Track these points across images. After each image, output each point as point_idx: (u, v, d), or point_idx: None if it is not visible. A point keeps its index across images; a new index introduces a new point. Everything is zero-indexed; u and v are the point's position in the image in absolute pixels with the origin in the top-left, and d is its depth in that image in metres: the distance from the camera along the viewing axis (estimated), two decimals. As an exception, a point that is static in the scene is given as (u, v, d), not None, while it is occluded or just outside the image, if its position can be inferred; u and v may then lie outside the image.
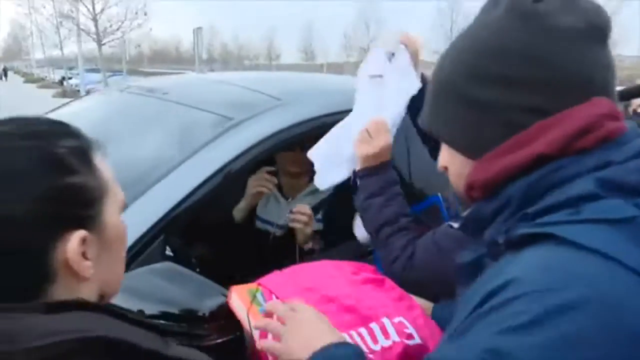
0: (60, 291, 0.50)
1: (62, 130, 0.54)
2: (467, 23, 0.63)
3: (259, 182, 1.52)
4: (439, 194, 1.16)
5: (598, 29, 0.56)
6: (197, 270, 1.49)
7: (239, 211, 1.61)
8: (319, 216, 1.67)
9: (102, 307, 0.51)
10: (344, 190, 1.71)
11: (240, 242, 1.59)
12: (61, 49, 30.42)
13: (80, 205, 0.51)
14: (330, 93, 1.59)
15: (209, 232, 1.71)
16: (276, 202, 1.72)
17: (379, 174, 1.09)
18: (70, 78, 27.54)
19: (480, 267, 0.57)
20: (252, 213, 1.68)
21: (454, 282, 0.63)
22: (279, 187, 1.75)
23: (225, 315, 0.92)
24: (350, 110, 1.46)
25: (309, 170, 1.72)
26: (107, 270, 0.55)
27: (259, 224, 1.65)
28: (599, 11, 0.57)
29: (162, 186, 1.11)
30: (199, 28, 14.06)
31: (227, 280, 1.37)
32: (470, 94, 0.58)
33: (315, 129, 1.31)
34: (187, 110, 1.44)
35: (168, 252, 1.26)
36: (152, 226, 1.03)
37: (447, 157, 0.65)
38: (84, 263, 0.51)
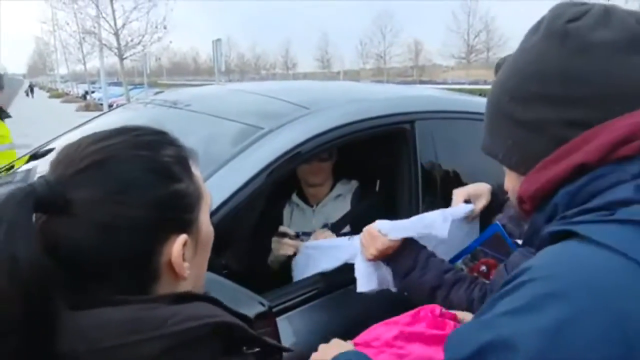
0: (162, 289, 0.53)
1: (166, 139, 0.57)
2: (484, 24, 0.65)
3: (280, 249, 1.53)
4: (497, 222, 1.16)
5: (639, 39, 0.56)
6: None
7: (274, 263, 1.61)
8: (347, 228, 1.68)
9: (210, 298, 0.55)
10: (369, 198, 1.73)
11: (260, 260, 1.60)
12: (84, 64, 31.25)
13: (183, 210, 0.54)
14: (357, 100, 1.60)
15: (240, 242, 1.73)
16: (301, 212, 1.74)
17: (397, 260, 1.14)
18: (93, 92, 28.24)
19: None
20: (278, 222, 1.70)
21: None
22: (303, 197, 1.77)
23: (263, 325, 0.92)
24: (376, 117, 1.47)
25: (329, 178, 1.75)
26: (198, 269, 0.59)
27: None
28: (639, 20, 0.57)
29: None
30: (219, 40, 14.26)
31: (257, 291, 1.39)
32: (516, 115, 0.61)
33: (345, 135, 1.32)
34: (215, 120, 1.47)
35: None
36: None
37: (506, 178, 0.68)
38: (183, 264, 0.54)
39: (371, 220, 1.66)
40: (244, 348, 0.55)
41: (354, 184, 1.77)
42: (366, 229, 1.19)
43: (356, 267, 1.18)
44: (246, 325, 0.54)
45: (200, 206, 0.57)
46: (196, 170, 0.58)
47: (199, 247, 0.57)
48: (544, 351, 0.44)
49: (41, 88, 60.12)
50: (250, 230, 1.97)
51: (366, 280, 1.17)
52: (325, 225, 1.65)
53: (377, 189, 1.83)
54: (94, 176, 0.50)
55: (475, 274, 1.17)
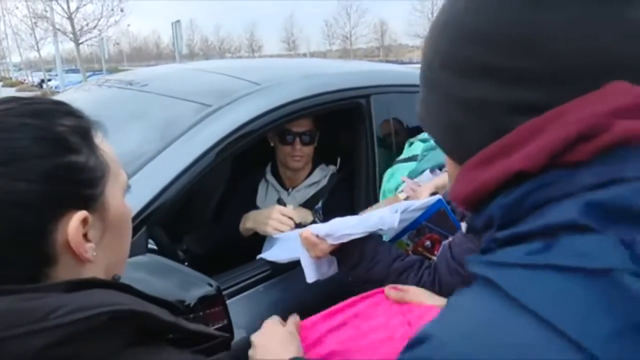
0: (62, 274, 0.49)
1: (63, 109, 0.52)
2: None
3: (276, 223, 1.40)
4: (441, 197, 1.14)
5: None
6: (185, 264, 1.47)
7: (246, 231, 1.51)
8: (319, 206, 1.66)
9: (119, 284, 0.51)
10: (343, 182, 1.72)
11: (232, 234, 1.57)
12: (38, 50, 29.82)
13: (81, 185, 0.50)
14: (311, 76, 1.57)
15: (201, 225, 1.69)
16: (275, 193, 1.71)
17: (342, 256, 1.10)
18: (49, 80, 27.05)
19: None
20: (252, 203, 1.66)
21: None
22: (278, 177, 1.74)
23: (211, 304, 0.90)
24: (331, 92, 1.44)
25: (308, 163, 1.72)
26: (111, 252, 0.54)
27: None
28: None
29: (140, 177, 1.08)
30: (178, 21, 13.85)
31: (217, 272, 1.36)
32: (449, 89, 0.45)
33: (297, 111, 1.29)
34: (166, 100, 1.41)
35: (152, 245, 1.24)
36: (132, 218, 1.00)
37: (446, 159, 0.53)
38: (85, 245, 0.49)
39: (334, 201, 1.66)
40: (170, 336, 0.51)
41: (331, 169, 1.74)
42: (303, 236, 1.10)
43: (301, 259, 1.15)
44: (164, 311, 0.50)
45: (107, 182, 0.53)
46: (103, 144, 0.54)
47: (107, 227, 0.53)
48: None
49: (-7, 77, 57.14)
50: (213, 211, 1.93)
51: (313, 271, 1.14)
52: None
53: (337, 166, 1.81)
54: None
55: (420, 249, 1.16)
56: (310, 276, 1.15)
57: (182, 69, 1.95)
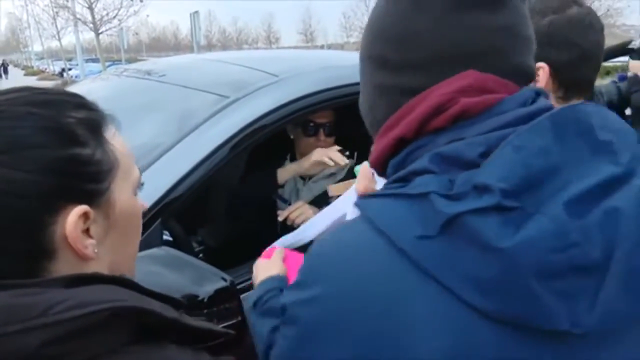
0: (62, 269, 0.47)
1: (75, 101, 0.51)
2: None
3: (329, 153, 1.44)
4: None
5: None
6: (200, 256, 1.47)
7: (287, 172, 1.55)
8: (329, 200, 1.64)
9: (121, 280, 0.49)
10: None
11: (249, 227, 1.56)
12: (59, 39, 30.26)
13: (84, 179, 0.48)
14: (328, 67, 1.53)
15: (216, 218, 1.68)
16: (293, 182, 1.70)
17: None
18: (70, 69, 27.44)
19: None
20: (270, 189, 1.65)
21: None
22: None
23: (225, 300, 0.88)
24: (350, 84, 1.41)
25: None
26: (116, 250, 0.53)
27: (278, 202, 1.63)
28: None
29: (157, 168, 1.07)
30: (196, 12, 13.90)
31: (233, 265, 1.35)
32: (367, 76, 0.58)
33: (316, 104, 1.26)
34: (184, 91, 1.40)
35: (167, 237, 1.23)
36: (147, 210, 0.99)
37: None
38: (86, 241, 0.48)
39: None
40: (174, 335, 0.49)
41: (350, 162, 1.73)
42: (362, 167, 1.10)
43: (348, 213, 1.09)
44: (167, 307, 0.48)
45: (115, 178, 0.51)
46: (115, 139, 0.53)
47: (112, 224, 0.51)
48: (304, 317, 0.48)
49: (15, 66, 58.26)
50: (228, 204, 1.92)
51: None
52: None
53: (354, 160, 1.79)
54: None
55: None
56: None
57: (200, 59, 1.94)
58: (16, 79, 32.55)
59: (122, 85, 1.69)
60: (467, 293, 0.42)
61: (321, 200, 1.61)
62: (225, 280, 0.90)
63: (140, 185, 0.57)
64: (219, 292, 0.89)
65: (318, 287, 0.47)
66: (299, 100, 1.25)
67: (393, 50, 0.53)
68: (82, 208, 0.47)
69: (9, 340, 0.39)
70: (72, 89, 2.11)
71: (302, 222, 1.43)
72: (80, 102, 0.51)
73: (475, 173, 0.44)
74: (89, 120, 0.50)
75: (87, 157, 0.49)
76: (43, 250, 0.46)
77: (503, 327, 0.42)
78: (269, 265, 0.89)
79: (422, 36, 0.51)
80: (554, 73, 0.89)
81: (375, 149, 0.57)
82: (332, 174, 1.69)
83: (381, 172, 0.58)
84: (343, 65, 1.63)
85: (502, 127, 0.47)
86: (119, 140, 0.54)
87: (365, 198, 0.50)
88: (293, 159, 1.73)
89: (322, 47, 62.78)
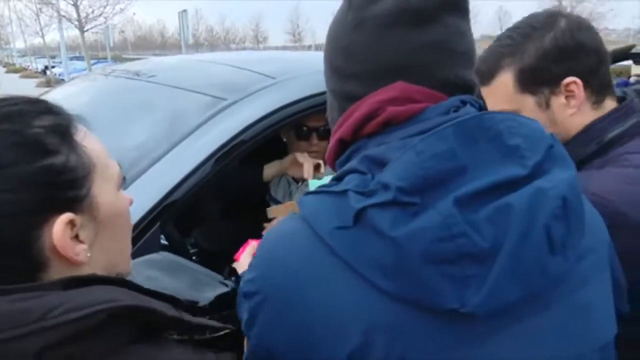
0: (56, 277, 0.47)
1: (37, 108, 0.50)
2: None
3: (307, 161, 1.48)
4: None
5: (408, 12, 0.55)
6: (194, 259, 1.45)
7: (272, 169, 1.58)
8: None
9: (118, 280, 0.49)
10: None
11: (243, 229, 1.54)
12: (42, 36, 29.76)
13: (62, 188, 0.48)
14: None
15: (209, 221, 1.66)
16: (286, 184, 1.69)
17: None
18: (53, 67, 26.98)
19: None
20: (261, 193, 1.64)
21: None
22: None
23: (225, 306, 0.87)
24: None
25: (322, 157, 1.69)
26: (109, 250, 0.53)
27: (270, 203, 1.62)
28: None
29: (154, 172, 1.05)
30: (184, 11, 13.77)
31: (227, 267, 1.33)
32: (325, 81, 0.65)
33: (315, 106, 1.25)
34: (178, 92, 1.37)
35: (163, 241, 1.21)
36: (145, 215, 0.98)
37: None
38: (77, 247, 0.48)
39: None
40: (175, 333, 0.50)
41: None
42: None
43: None
44: (167, 306, 0.49)
45: (94, 180, 0.51)
46: (86, 140, 0.51)
47: (101, 227, 0.51)
48: (250, 293, 0.55)
49: (-3, 63, 57.05)
50: (222, 206, 1.90)
51: None
52: None
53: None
54: None
55: None
56: None
57: (194, 60, 1.91)
58: (-2, 76, 31.90)
59: (116, 86, 1.66)
60: (372, 276, 0.48)
61: None
62: (226, 285, 0.89)
63: (122, 179, 0.57)
64: (220, 298, 0.87)
65: (255, 270, 0.55)
66: (297, 103, 1.25)
67: (340, 60, 0.59)
68: (67, 216, 0.47)
69: (12, 344, 0.39)
70: (62, 90, 2.07)
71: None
72: (43, 108, 0.50)
73: (382, 174, 0.51)
74: (57, 127, 0.49)
75: (61, 165, 0.48)
76: (35, 264, 0.46)
77: (405, 306, 0.48)
78: (241, 263, 0.95)
79: (361, 50, 0.57)
80: (583, 82, 0.89)
81: (328, 149, 0.64)
82: (327, 176, 1.68)
83: (333, 169, 0.65)
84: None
85: (420, 133, 0.53)
86: (91, 140, 0.53)
87: (305, 194, 0.57)
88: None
89: (309, 47, 62.71)
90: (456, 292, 0.47)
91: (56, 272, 0.48)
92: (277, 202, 1.62)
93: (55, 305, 0.41)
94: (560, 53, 0.88)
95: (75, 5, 18.28)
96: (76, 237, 0.49)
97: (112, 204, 0.53)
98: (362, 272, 0.49)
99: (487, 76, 0.94)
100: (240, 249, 1.01)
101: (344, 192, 0.51)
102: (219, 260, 1.43)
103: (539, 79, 0.90)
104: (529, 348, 0.50)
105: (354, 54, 0.58)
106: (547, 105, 0.91)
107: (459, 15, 0.58)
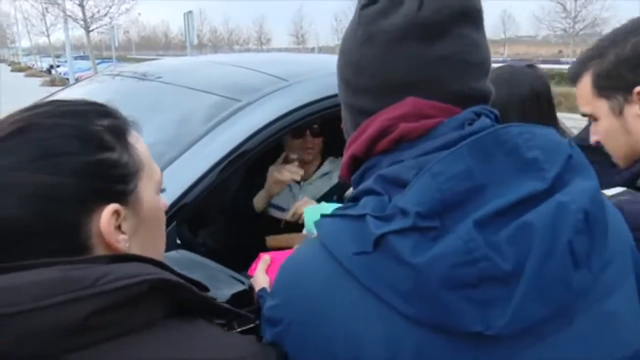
0: None
1: (99, 110, 0.55)
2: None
3: (280, 172, 1.48)
4: None
5: (418, 26, 0.54)
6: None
7: (260, 200, 1.58)
8: (334, 200, 1.64)
9: (155, 261, 0.53)
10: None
11: (250, 229, 1.56)
12: (48, 36, 29.86)
13: (114, 181, 0.53)
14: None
15: (217, 220, 1.67)
16: (288, 189, 1.69)
17: None
18: (58, 66, 27.07)
19: None
20: (252, 212, 1.65)
21: None
22: None
23: (243, 304, 0.89)
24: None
25: (318, 155, 1.70)
26: (145, 245, 0.57)
27: (270, 211, 1.62)
28: (422, 7, 0.55)
29: (170, 172, 1.06)
30: (190, 12, 13.80)
31: (235, 268, 1.34)
32: (341, 96, 0.64)
33: (325, 109, 1.27)
34: (192, 93, 1.39)
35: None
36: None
37: None
38: (118, 236, 0.52)
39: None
40: (234, 323, 0.56)
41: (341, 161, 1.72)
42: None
43: None
44: (196, 288, 0.52)
45: (141, 179, 0.56)
46: (137, 143, 0.57)
47: (141, 222, 0.56)
48: (275, 319, 0.55)
49: (1, 61, 57.29)
50: (228, 207, 1.92)
51: None
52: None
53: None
54: (13, 144, 0.49)
55: None
56: None
57: (205, 62, 1.93)
58: (3, 73, 32.02)
59: (129, 87, 1.68)
60: (393, 300, 0.48)
61: (321, 200, 1.61)
62: (243, 283, 0.91)
63: (161, 186, 0.62)
64: (237, 295, 0.89)
65: (278, 297, 0.56)
66: (310, 105, 1.26)
67: (352, 74, 0.59)
68: (114, 206, 0.52)
69: (63, 308, 0.42)
70: (69, 91, 2.09)
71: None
72: (104, 111, 0.56)
73: (399, 198, 0.50)
74: (114, 127, 0.55)
75: (114, 160, 0.53)
76: (81, 248, 0.50)
77: (426, 329, 0.48)
78: (256, 280, 0.94)
79: (372, 65, 0.57)
80: None
81: (342, 163, 0.64)
82: (326, 174, 1.70)
83: (349, 184, 0.65)
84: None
85: (434, 150, 0.53)
86: (142, 145, 0.58)
87: (322, 217, 0.56)
88: (285, 162, 1.73)
89: (313, 49, 62.72)
90: (480, 314, 0.46)
91: None
92: (281, 210, 1.61)
93: (104, 273, 0.45)
94: (637, 60, 0.86)
95: (81, 5, 18.36)
96: (119, 228, 0.53)
97: (153, 203, 0.58)
98: (383, 296, 0.49)
99: (574, 77, 0.94)
100: (253, 264, 1.02)
101: (362, 217, 0.51)
102: (226, 258, 1.44)
103: (613, 84, 0.88)
104: None
105: (365, 68, 0.57)
106: (621, 112, 0.89)
107: (473, 26, 0.57)
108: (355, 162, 0.60)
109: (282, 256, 1.00)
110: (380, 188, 0.53)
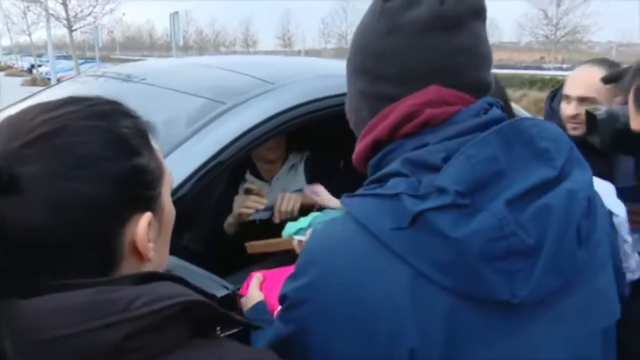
0: (125, 272, 0.49)
1: (120, 110, 0.52)
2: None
3: (244, 204, 1.51)
4: None
5: (442, 19, 0.59)
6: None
7: (230, 226, 1.59)
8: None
9: (173, 277, 0.51)
10: (321, 167, 1.70)
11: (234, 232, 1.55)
12: (29, 35, 29.37)
13: (146, 187, 0.51)
14: (323, 76, 1.54)
15: (202, 223, 1.66)
16: (258, 189, 1.69)
17: None
18: (40, 65, 26.63)
19: None
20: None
21: None
22: (256, 174, 1.73)
23: (228, 309, 0.88)
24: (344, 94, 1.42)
25: (284, 154, 1.71)
26: (161, 251, 0.55)
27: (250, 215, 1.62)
28: (444, 1, 0.59)
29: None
30: (176, 13, 13.71)
31: (215, 272, 1.33)
32: (351, 83, 0.67)
33: (314, 112, 1.27)
34: (178, 95, 1.38)
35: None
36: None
37: None
38: (149, 245, 0.50)
39: (328, 186, 1.64)
40: (218, 329, 0.52)
41: (305, 154, 1.75)
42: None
43: None
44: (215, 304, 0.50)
45: (162, 184, 0.53)
46: (156, 145, 0.54)
47: (162, 227, 0.54)
48: (304, 300, 0.57)
49: (-19, 60, 56.10)
50: (211, 210, 1.90)
51: None
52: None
53: (341, 168, 1.80)
54: (44, 149, 0.44)
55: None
56: None
57: (191, 63, 1.92)
58: (-18, 73, 31.32)
59: (114, 88, 1.65)
60: (430, 272, 0.52)
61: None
62: (227, 288, 0.90)
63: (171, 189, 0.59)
64: (221, 301, 0.88)
65: (306, 276, 0.57)
66: (297, 108, 1.26)
67: (371, 63, 0.62)
68: (149, 215, 0.49)
69: (97, 333, 0.40)
70: (51, 91, 2.05)
71: (296, 208, 1.51)
72: (126, 111, 0.52)
73: (436, 177, 0.54)
74: (138, 130, 0.52)
75: (144, 165, 0.50)
76: (111, 259, 0.48)
77: (460, 299, 0.53)
78: (249, 299, 0.97)
79: (394, 54, 0.60)
80: None
81: (356, 150, 0.66)
82: (292, 166, 1.72)
83: (362, 169, 0.68)
84: (339, 74, 1.65)
85: (457, 135, 0.58)
86: (157, 146, 0.55)
87: (348, 197, 0.59)
88: (252, 165, 1.74)
89: (299, 52, 62.85)
90: (507, 285, 0.52)
91: (127, 268, 0.49)
92: (259, 211, 1.59)
93: (136, 296, 0.43)
94: None
95: (64, 4, 18.10)
96: (147, 236, 0.51)
97: (170, 207, 0.56)
98: (421, 269, 0.52)
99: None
100: (245, 284, 1.01)
101: (396, 195, 0.54)
102: (211, 262, 1.43)
103: None
104: (558, 330, 0.56)
105: (386, 58, 0.61)
106: None
107: (482, 22, 0.63)
108: (376, 147, 0.63)
109: (274, 274, 1.01)
110: (407, 170, 0.57)
